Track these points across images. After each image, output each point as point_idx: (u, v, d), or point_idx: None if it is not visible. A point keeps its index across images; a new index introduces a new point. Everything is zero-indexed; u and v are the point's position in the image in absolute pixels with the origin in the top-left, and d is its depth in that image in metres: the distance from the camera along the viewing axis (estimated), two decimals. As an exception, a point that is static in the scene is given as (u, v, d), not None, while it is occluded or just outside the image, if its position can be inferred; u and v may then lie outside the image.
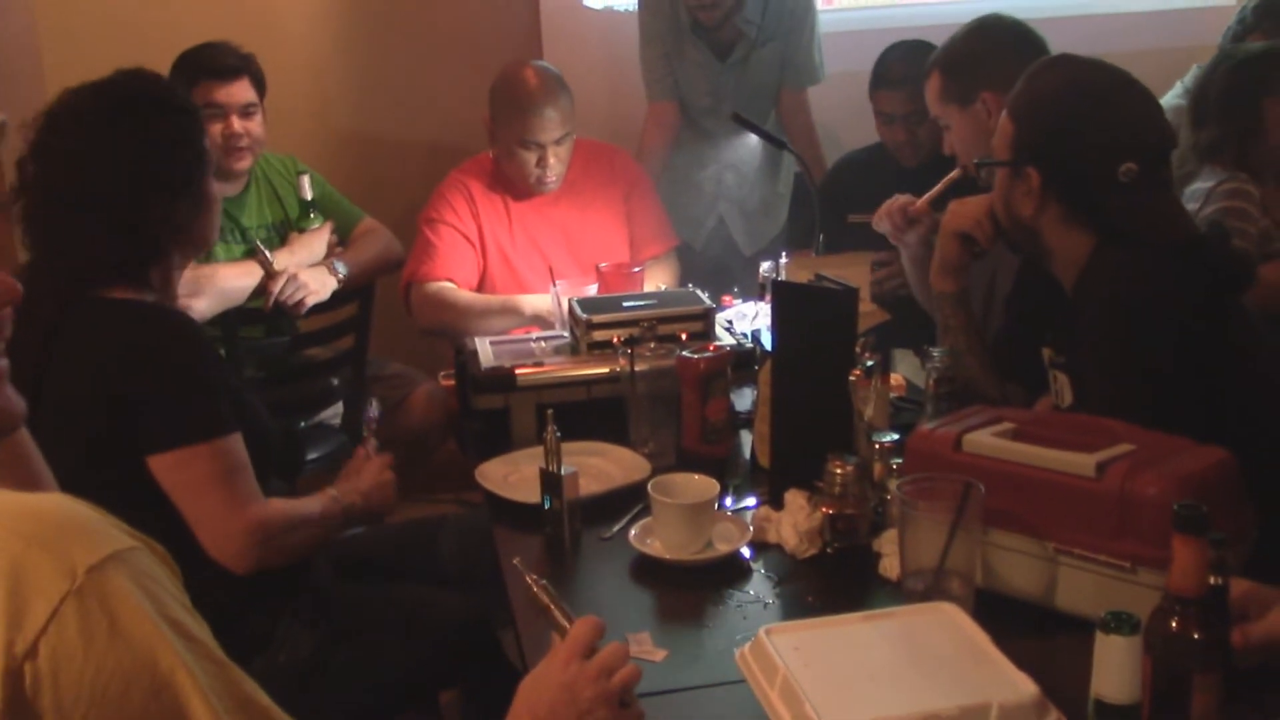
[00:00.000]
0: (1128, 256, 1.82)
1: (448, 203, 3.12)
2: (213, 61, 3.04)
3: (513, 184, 3.14)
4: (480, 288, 3.12)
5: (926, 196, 2.47)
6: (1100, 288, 1.83)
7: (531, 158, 3.03)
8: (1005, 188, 1.96)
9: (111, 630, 0.93)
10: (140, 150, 1.89)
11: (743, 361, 2.25)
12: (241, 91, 3.06)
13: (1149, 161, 1.85)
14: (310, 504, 1.99)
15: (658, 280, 3.10)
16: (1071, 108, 1.89)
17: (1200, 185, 2.82)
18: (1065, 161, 1.88)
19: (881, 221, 2.52)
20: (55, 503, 1.01)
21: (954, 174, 2.46)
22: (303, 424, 3.24)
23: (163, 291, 1.95)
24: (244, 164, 3.11)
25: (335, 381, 3.23)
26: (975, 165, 2.05)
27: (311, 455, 3.15)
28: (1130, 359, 1.76)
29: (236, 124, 3.05)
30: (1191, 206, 2.68)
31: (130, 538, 1.00)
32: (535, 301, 2.97)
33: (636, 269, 2.85)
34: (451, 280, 3.06)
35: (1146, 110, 1.92)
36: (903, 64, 3.14)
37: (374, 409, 2.28)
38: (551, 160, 3.04)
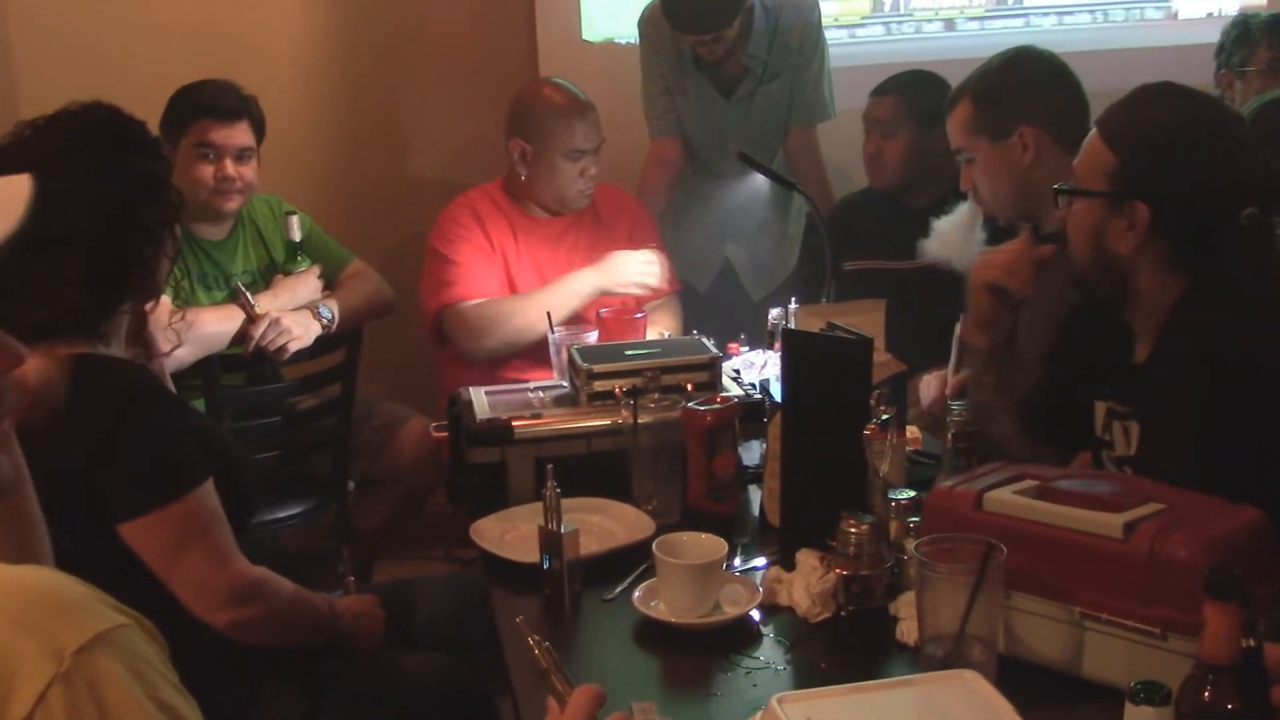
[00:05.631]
0: (1224, 302, 1.81)
1: (458, 223, 3.19)
2: (214, 101, 3.07)
3: (542, 204, 3.19)
4: None
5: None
6: (1194, 334, 1.81)
7: (576, 169, 3.16)
8: (1097, 221, 1.90)
9: (100, 716, 0.94)
10: (120, 191, 1.91)
11: (751, 414, 2.27)
12: (240, 135, 3.10)
13: (1265, 205, 1.83)
14: (300, 588, 2.01)
15: (660, 325, 3.13)
16: (1193, 143, 1.86)
17: None
18: (1183, 200, 1.84)
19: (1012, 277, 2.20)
20: (40, 579, 1.02)
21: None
22: (284, 476, 3.25)
23: (111, 341, 1.95)
24: (232, 205, 3.14)
25: (320, 431, 3.25)
26: (1060, 192, 1.96)
27: (294, 510, 3.17)
28: (1216, 413, 1.76)
29: (230, 168, 3.08)
30: None
31: (118, 614, 1.00)
32: (591, 275, 3.09)
33: (639, 314, 2.88)
34: (486, 296, 3.14)
35: (1257, 149, 1.90)
36: (899, 82, 3.33)
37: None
38: (593, 169, 3.18)
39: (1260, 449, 1.73)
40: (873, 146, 3.33)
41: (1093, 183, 1.91)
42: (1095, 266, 1.93)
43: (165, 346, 2.46)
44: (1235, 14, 3.78)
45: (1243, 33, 3.53)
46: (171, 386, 2.21)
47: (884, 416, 1.90)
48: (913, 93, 3.29)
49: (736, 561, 1.98)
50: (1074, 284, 2.02)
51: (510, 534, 2.10)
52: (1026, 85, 2.47)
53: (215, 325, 2.97)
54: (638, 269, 3.16)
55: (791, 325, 2.58)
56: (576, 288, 3.13)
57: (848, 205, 3.45)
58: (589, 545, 1.95)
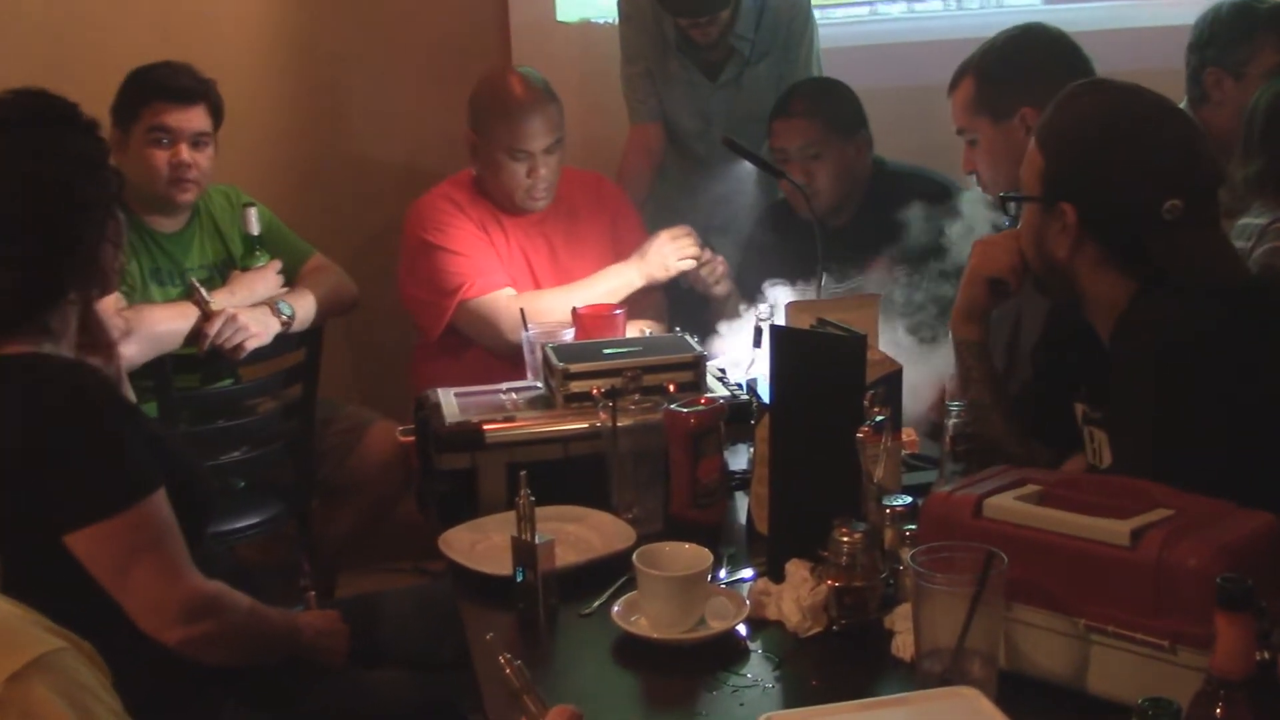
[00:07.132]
0: (1172, 302, 1.84)
1: (445, 212, 3.20)
2: (169, 81, 3.07)
3: (499, 202, 3.20)
4: None
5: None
6: (1140, 337, 1.85)
7: (521, 169, 3.13)
8: (1037, 225, 1.97)
9: None
10: (54, 170, 1.91)
11: (738, 416, 2.26)
12: (196, 119, 3.09)
13: (1194, 198, 1.87)
14: (257, 602, 2.01)
15: (642, 323, 3.13)
16: (1110, 138, 1.91)
17: (1252, 221, 2.84)
18: (1103, 198, 1.90)
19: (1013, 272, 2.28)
20: None
21: None
22: (242, 484, 3.24)
23: (60, 338, 1.95)
24: (188, 197, 3.13)
25: (280, 435, 3.23)
26: (1002, 199, 2.08)
27: (253, 519, 3.15)
28: (1171, 417, 1.78)
29: (185, 153, 3.07)
30: (1243, 244, 2.72)
31: (56, 637, 1.00)
32: (633, 269, 3.15)
33: (618, 310, 2.87)
34: (505, 287, 3.15)
35: (1190, 142, 1.94)
36: (806, 98, 3.24)
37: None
38: (542, 170, 3.14)
39: (1209, 462, 1.75)
40: (800, 174, 3.16)
41: (1030, 187, 1.98)
42: (1043, 271, 2.01)
43: (114, 335, 2.47)
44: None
45: (1244, 25, 3.20)
46: (130, 391, 2.20)
47: (878, 418, 1.90)
48: (825, 109, 3.22)
49: (722, 573, 1.97)
50: (1036, 289, 2.09)
51: (481, 545, 2.09)
52: (1030, 64, 2.48)
53: (168, 323, 2.96)
54: (675, 250, 3.20)
55: (780, 322, 2.58)
56: (624, 281, 3.17)
57: (766, 227, 3.40)
58: (565, 556, 1.95)
